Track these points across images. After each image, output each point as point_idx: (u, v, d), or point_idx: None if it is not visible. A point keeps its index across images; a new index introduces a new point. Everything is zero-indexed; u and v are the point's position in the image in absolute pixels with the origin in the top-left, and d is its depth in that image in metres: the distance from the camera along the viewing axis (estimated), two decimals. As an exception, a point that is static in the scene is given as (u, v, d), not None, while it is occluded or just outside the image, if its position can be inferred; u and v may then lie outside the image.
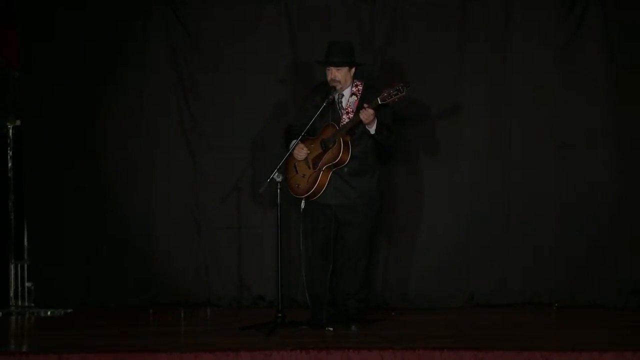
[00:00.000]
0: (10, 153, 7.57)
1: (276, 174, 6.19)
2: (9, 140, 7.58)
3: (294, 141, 6.26)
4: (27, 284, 7.50)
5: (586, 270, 7.14)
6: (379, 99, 6.01)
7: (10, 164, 7.57)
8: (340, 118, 6.25)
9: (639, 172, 7.13)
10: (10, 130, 7.57)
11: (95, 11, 7.34)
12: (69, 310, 7.23)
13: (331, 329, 6.17)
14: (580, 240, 7.15)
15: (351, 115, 6.21)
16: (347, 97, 6.28)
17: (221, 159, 7.33)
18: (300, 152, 6.27)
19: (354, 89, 6.29)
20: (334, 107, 6.25)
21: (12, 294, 7.50)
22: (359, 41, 7.21)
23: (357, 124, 6.15)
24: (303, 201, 6.30)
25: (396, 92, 5.96)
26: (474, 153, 7.23)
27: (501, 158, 7.22)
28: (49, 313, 7.24)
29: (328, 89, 6.23)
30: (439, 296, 7.20)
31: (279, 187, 6.23)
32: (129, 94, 7.38)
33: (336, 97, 6.26)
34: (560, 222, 7.18)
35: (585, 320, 6.70)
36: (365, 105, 6.06)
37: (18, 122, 7.55)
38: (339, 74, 6.22)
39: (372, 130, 6.16)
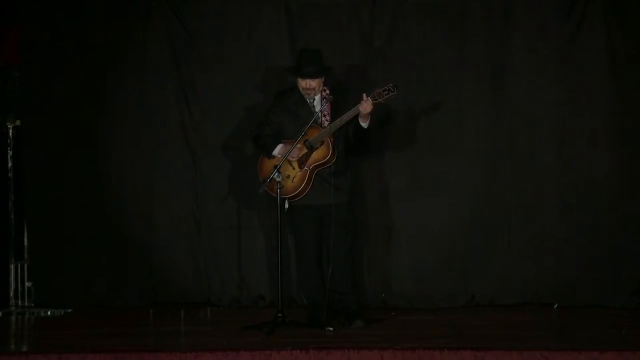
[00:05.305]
0: (10, 153, 7.57)
1: (276, 174, 6.21)
2: (9, 140, 7.57)
3: (280, 145, 6.37)
4: (27, 284, 7.49)
5: (586, 270, 7.14)
6: (370, 97, 6.14)
7: (10, 164, 7.56)
8: (319, 120, 6.37)
9: (639, 172, 7.14)
10: (10, 130, 7.56)
11: (95, 11, 7.34)
12: (69, 310, 7.22)
13: (331, 329, 6.17)
14: (581, 240, 7.14)
15: (329, 118, 6.34)
16: (319, 101, 6.43)
17: (221, 158, 7.33)
18: (300, 152, 6.34)
19: (323, 92, 6.44)
20: (310, 111, 6.39)
21: (12, 294, 7.49)
22: (359, 41, 7.22)
23: (352, 118, 6.24)
24: (287, 201, 6.36)
25: (387, 92, 6.15)
26: (474, 153, 7.22)
27: (501, 158, 7.22)
28: (49, 313, 7.23)
29: (299, 94, 6.40)
30: (439, 296, 7.20)
31: (279, 187, 6.24)
32: (129, 93, 7.37)
33: (309, 101, 6.43)
34: (560, 222, 7.17)
35: (585, 320, 6.69)
36: (375, 94, 6.18)
37: (18, 122, 7.53)
38: (314, 82, 6.38)
39: (366, 124, 6.30)
